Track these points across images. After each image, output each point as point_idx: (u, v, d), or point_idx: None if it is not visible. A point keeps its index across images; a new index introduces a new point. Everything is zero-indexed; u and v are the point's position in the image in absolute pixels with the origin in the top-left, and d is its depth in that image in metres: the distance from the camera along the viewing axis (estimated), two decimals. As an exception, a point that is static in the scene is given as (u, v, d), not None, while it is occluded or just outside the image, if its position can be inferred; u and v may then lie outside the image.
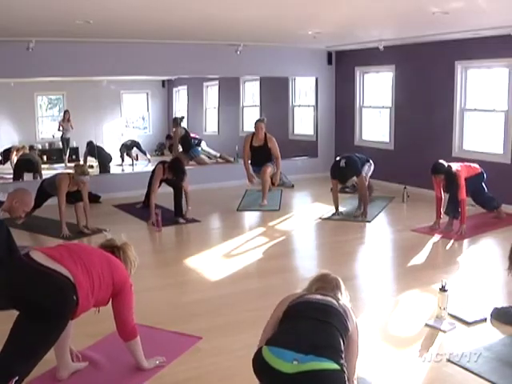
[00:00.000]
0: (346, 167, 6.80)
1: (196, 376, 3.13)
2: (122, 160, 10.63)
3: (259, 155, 7.75)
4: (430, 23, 6.28)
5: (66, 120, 9.84)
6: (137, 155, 10.93)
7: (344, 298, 2.69)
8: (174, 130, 10.15)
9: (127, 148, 10.78)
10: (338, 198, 7.05)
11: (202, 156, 10.21)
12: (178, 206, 6.82)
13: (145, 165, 10.33)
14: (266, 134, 7.74)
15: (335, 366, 2.13)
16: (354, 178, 7.08)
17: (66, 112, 9.89)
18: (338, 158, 7.07)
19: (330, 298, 2.53)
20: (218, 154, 10.39)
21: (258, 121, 7.89)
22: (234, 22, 6.41)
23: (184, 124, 10.43)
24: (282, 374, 2.11)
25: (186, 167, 9.79)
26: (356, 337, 2.55)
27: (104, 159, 9.57)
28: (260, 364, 2.21)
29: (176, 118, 10.32)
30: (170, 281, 4.87)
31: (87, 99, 9.33)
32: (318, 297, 2.54)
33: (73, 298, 2.67)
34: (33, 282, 2.65)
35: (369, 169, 7.25)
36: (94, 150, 9.52)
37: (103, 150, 9.64)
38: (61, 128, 9.97)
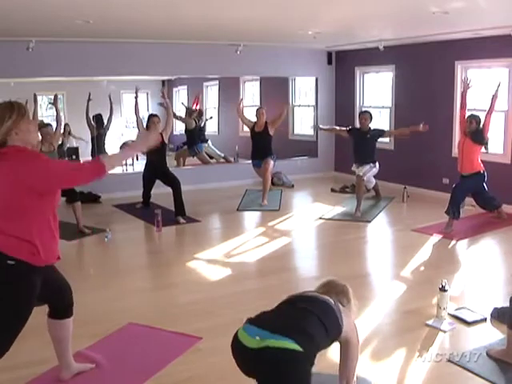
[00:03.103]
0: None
1: (196, 376, 3.13)
2: None
3: (260, 143, 7.82)
4: (429, 23, 6.28)
5: (65, 134, 9.70)
6: (137, 155, 10.91)
7: (350, 306, 2.71)
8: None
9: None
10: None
11: (205, 154, 10.20)
12: (178, 206, 6.81)
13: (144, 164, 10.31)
14: (266, 122, 7.83)
15: (295, 347, 2.14)
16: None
17: (66, 125, 9.78)
18: None
19: (326, 297, 2.55)
20: (223, 155, 10.39)
21: (259, 108, 8.08)
22: (234, 22, 6.41)
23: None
24: (247, 348, 2.19)
25: (187, 167, 9.91)
26: (355, 340, 2.59)
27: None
28: (233, 340, 2.28)
29: (188, 108, 10.31)
30: (171, 281, 4.87)
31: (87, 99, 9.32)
32: (315, 293, 2.58)
33: None
34: None
35: (370, 169, 7.30)
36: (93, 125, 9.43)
37: (104, 145, 9.60)
38: (60, 141, 9.71)
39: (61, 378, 3.02)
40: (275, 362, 2.16)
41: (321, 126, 8.46)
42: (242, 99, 8.59)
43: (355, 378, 2.73)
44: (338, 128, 7.99)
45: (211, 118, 11.01)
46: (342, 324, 2.45)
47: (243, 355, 2.24)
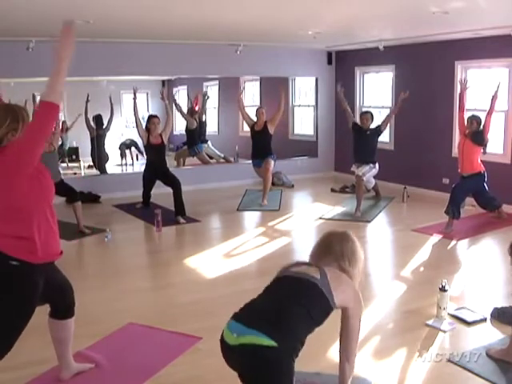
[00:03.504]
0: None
1: (196, 376, 3.13)
2: (124, 157, 10.66)
3: (260, 142, 7.82)
4: (429, 23, 6.28)
5: (63, 130, 9.67)
6: (137, 155, 10.94)
7: (356, 266, 2.49)
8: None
9: (126, 146, 10.78)
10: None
11: (205, 154, 10.20)
12: (178, 206, 6.81)
13: (141, 164, 10.33)
14: (265, 122, 7.84)
15: (269, 343, 2.11)
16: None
17: (63, 123, 9.76)
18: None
19: (312, 273, 2.34)
20: (222, 155, 10.40)
21: (259, 108, 8.07)
22: (234, 21, 6.41)
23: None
24: (228, 345, 2.18)
25: (187, 167, 9.92)
26: (355, 306, 2.44)
27: (102, 158, 9.52)
28: (220, 337, 2.25)
29: (190, 108, 10.29)
30: (170, 281, 4.87)
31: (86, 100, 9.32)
32: (301, 269, 2.40)
33: None
34: None
35: (370, 170, 7.31)
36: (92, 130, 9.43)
37: (104, 146, 9.59)
38: (60, 140, 9.64)
39: (61, 378, 3.02)
40: (250, 359, 2.15)
41: (342, 94, 7.78)
42: (242, 90, 8.38)
43: (355, 359, 2.60)
44: (349, 110, 7.72)
45: (208, 97, 10.93)
46: (334, 303, 2.31)
47: (226, 352, 2.24)
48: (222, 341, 2.23)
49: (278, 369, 2.15)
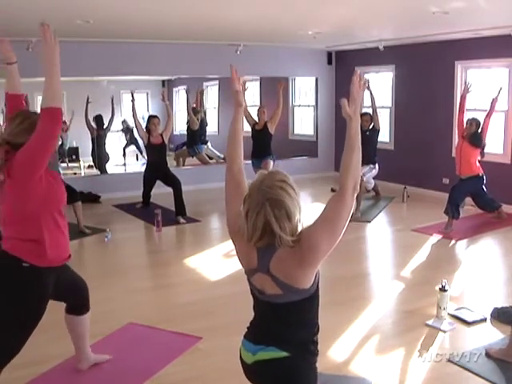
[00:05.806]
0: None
1: (196, 376, 3.13)
2: (125, 136, 10.79)
3: (260, 141, 7.78)
4: (429, 23, 6.28)
5: (64, 130, 9.69)
6: (137, 155, 10.94)
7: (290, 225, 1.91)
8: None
9: (128, 130, 10.83)
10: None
11: (205, 155, 10.19)
12: (179, 206, 6.81)
13: (142, 163, 10.35)
14: (266, 122, 7.81)
15: (283, 354, 2.08)
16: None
17: (63, 123, 9.74)
18: None
19: (274, 292, 2.02)
20: (222, 156, 10.39)
21: (260, 107, 8.01)
22: (234, 21, 6.41)
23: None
24: (245, 364, 2.15)
25: (187, 167, 9.91)
26: (329, 241, 1.90)
27: (102, 158, 9.52)
28: (239, 357, 2.22)
29: (194, 108, 10.29)
30: (170, 281, 4.87)
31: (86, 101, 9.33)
32: (261, 286, 2.06)
33: None
34: None
35: (370, 170, 7.32)
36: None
37: (104, 145, 9.59)
38: (60, 140, 9.71)
39: (79, 368, 3.10)
40: (269, 375, 2.13)
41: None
42: (246, 88, 8.05)
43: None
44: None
45: (202, 93, 10.93)
46: (307, 289, 1.98)
47: (245, 370, 2.20)
48: (240, 360, 2.21)
49: (297, 377, 2.12)
